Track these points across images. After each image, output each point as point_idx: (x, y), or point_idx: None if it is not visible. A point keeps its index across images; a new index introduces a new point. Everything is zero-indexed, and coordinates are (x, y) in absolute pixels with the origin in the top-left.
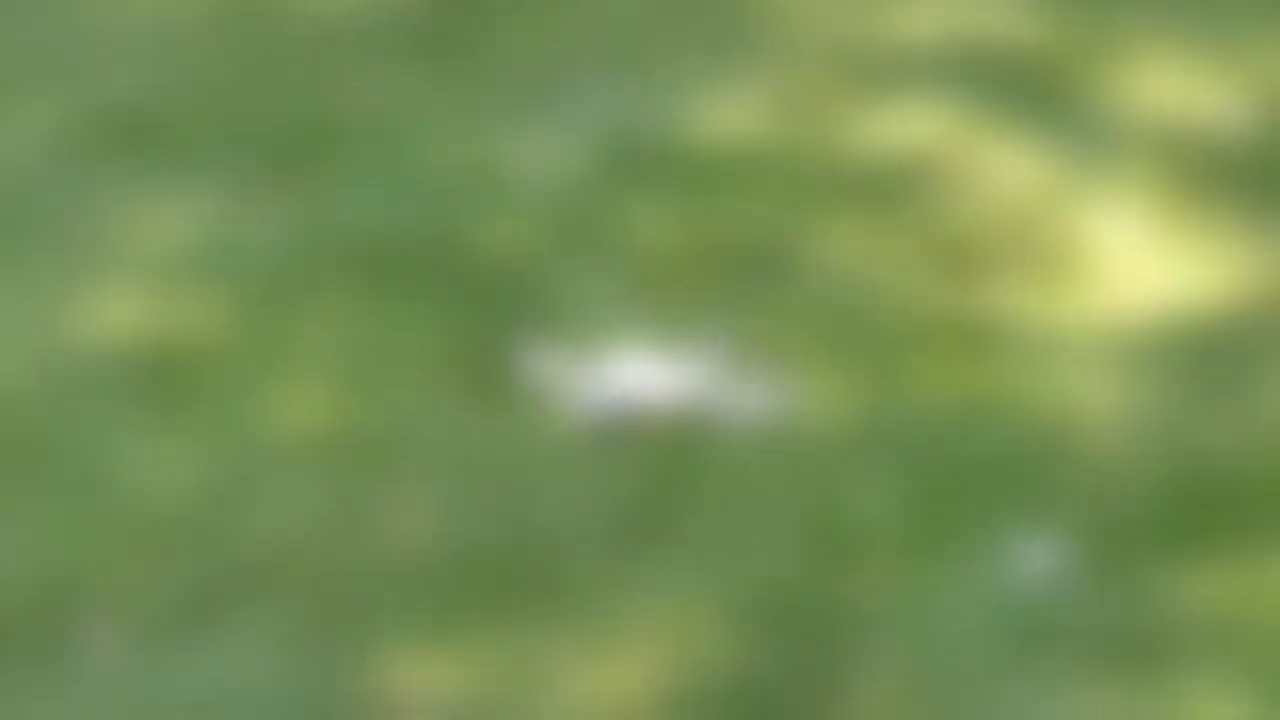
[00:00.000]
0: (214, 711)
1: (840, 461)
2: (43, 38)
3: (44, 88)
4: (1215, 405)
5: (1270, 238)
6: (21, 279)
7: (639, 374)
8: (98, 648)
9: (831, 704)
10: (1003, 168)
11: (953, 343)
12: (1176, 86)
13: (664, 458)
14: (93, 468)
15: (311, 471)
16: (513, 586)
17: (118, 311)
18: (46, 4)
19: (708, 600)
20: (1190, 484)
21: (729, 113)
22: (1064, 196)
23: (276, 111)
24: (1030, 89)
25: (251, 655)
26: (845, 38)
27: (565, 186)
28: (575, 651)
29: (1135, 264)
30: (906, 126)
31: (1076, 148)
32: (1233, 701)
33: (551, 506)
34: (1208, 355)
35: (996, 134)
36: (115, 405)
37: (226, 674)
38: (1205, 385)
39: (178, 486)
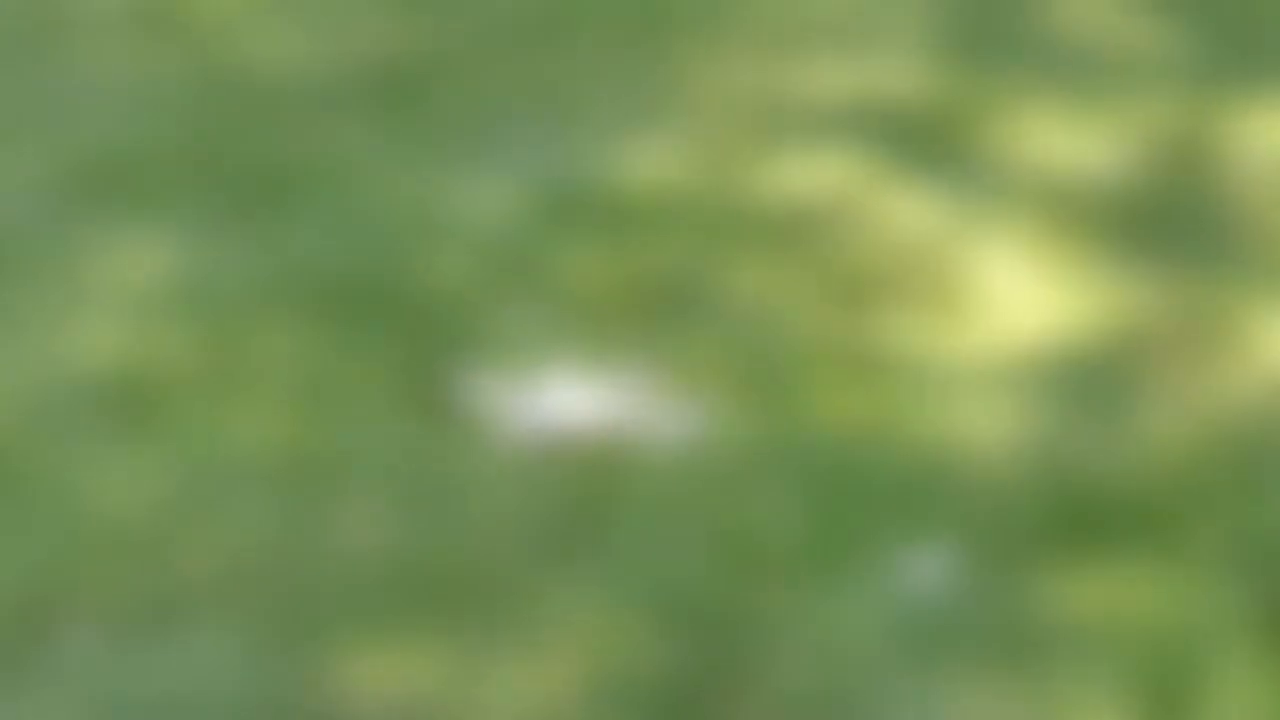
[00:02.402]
0: (179, 711)
1: (748, 480)
2: (27, 91)
3: (28, 137)
4: (1088, 428)
5: (1139, 276)
6: (6, 312)
7: (566, 399)
8: (72, 650)
9: (740, 702)
10: (898, 212)
11: (851, 371)
12: (1057, 137)
13: (588, 476)
14: (69, 484)
15: (268, 488)
16: (452, 595)
17: (93, 342)
18: (31, 60)
19: (627, 606)
20: (1066, 500)
21: (649, 160)
22: (953, 238)
23: (240, 159)
24: (923, 140)
25: (213, 658)
26: (755, 92)
27: (500, 228)
28: (509, 654)
29: (1017, 300)
30: (810, 173)
31: (965, 194)
32: (1105, 695)
33: (487, 520)
34: (1082, 383)
35: (892, 181)
36: (90, 427)
37: (190, 676)
38: (1079, 410)
39: (147, 501)
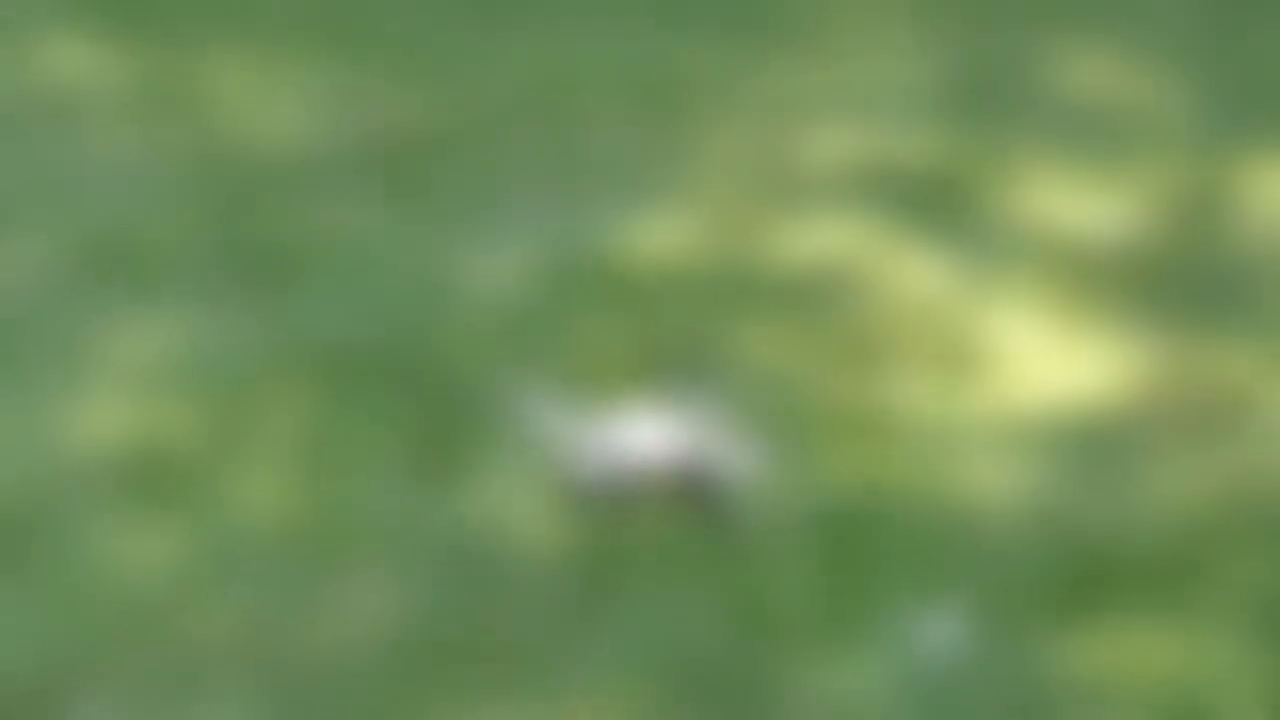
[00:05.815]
0: None
1: (760, 543)
2: (33, 171)
3: (35, 217)
4: (1098, 490)
5: (1147, 337)
6: (17, 390)
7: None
8: None
9: None
10: (907, 275)
11: (863, 434)
12: (1064, 199)
13: (602, 542)
14: (82, 559)
15: (280, 559)
16: (462, 662)
17: (103, 418)
18: (36, 140)
19: (641, 674)
20: (1077, 560)
21: (657, 228)
22: (963, 300)
23: (246, 235)
24: (932, 203)
25: None
26: (761, 159)
27: (508, 298)
28: None
29: (1027, 361)
30: (818, 238)
31: (974, 256)
32: None
33: (497, 588)
34: (1091, 445)
35: (901, 244)
36: (102, 503)
37: None
38: (1090, 470)
39: (160, 575)
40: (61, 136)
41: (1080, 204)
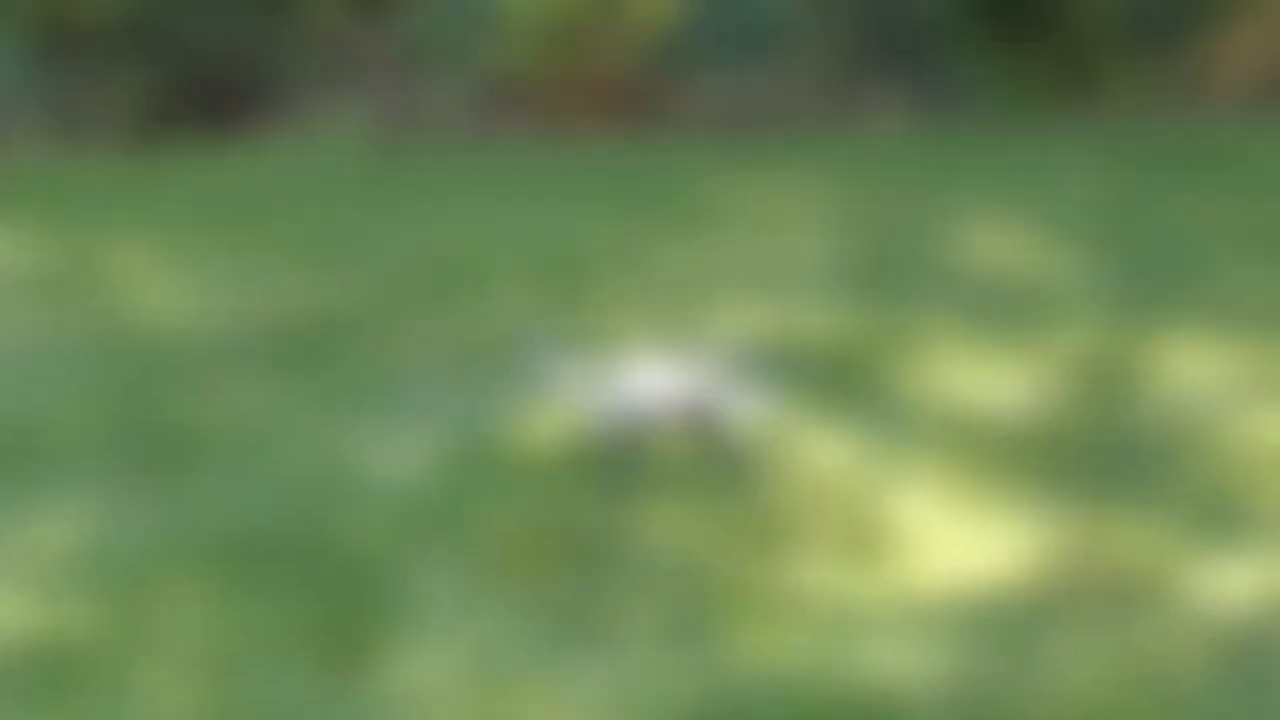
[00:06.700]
0: None
1: None
2: None
3: None
4: (1002, 673)
5: (1050, 514)
6: None
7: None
8: None
9: None
10: (811, 452)
11: (767, 616)
12: (968, 375)
13: None
14: None
15: None
16: None
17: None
18: None
19: None
20: None
21: (559, 413)
22: (868, 478)
23: (145, 421)
24: (836, 379)
25: None
26: (665, 337)
27: (410, 483)
28: None
29: (932, 541)
30: None
31: (879, 433)
32: None
33: None
34: (996, 626)
35: (805, 421)
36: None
37: None
38: (993, 654)
39: None
40: None
41: (985, 380)
